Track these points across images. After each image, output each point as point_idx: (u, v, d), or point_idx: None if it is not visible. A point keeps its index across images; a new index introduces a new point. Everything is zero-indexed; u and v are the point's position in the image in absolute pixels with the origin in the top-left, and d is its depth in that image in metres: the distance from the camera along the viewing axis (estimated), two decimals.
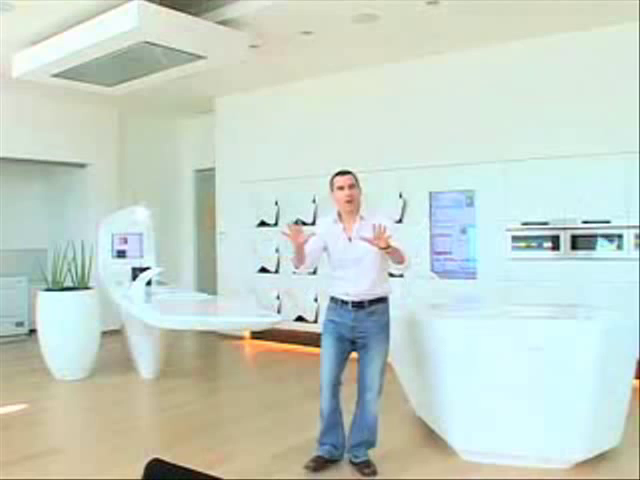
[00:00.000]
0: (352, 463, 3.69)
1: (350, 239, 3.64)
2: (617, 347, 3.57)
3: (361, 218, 3.66)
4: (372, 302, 3.65)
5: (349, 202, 3.63)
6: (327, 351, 3.71)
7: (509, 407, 3.59)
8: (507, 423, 3.59)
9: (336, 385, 3.69)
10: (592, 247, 5.55)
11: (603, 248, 5.49)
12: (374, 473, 3.58)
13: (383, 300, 3.71)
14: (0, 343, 7.79)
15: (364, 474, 3.58)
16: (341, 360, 3.69)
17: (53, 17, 5.23)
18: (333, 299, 3.74)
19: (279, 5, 4.94)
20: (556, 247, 5.71)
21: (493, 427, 3.63)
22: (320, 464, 3.66)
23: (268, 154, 7.71)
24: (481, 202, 6.12)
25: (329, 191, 3.74)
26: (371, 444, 3.71)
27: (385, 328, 3.70)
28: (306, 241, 3.54)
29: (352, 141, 6.96)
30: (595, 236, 5.53)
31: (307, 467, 3.64)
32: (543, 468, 3.52)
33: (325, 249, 3.73)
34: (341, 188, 3.64)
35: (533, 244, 5.80)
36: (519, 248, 5.88)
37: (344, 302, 3.67)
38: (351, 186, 3.64)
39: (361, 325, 3.64)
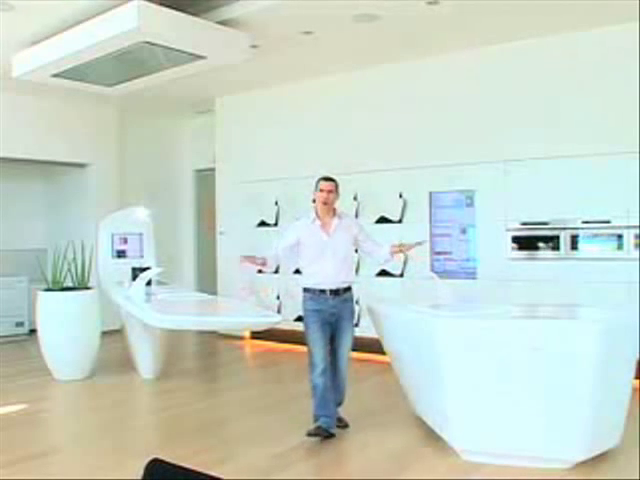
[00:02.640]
0: None
1: (328, 234, 4.29)
2: (617, 347, 3.56)
3: (339, 217, 4.35)
4: (345, 290, 4.32)
5: (325, 204, 4.29)
6: (315, 335, 4.26)
7: (509, 407, 3.59)
8: (507, 423, 3.59)
9: (327, 364, 4.24)
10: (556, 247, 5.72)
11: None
12: (347, 425, 4.35)
13: (351, 288, 4.38)
14: (0, 343, 7.79)
15: (339, 427, 4.28)
16: (327, 342, 4.28)
17: (53, 17, 5.23)
18: (309, 290, 4.31)
19: (279, 5, 4.94)
20: (556, 247, 5.71)
21: (493, 427, 3.63)
22: (320, 432, 4.12)
23: (268, 154, 7.71)
24: (481, 202, 6.12)
25: (313, 190, 4.39)
26: (340, 403, 4.40)
27: (353, 311, 4.45)
28: (262, 261, 4.43)
29: (352, 141, 6.96)
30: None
31: (309, 434, 4.12)
32: (543, 468, 3.52)
33: (295, 247, 4.38)
34: (322, 191, 4.32)
35: (536, 244, 5.83)
36: (519, 248, 5.88)
37: (322, 291, 4.26)
38: (330, 191, 4.31)
39: (338, 310, 4.28)
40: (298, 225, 4.45)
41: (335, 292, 4.25)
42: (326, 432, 4.12)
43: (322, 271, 4.25)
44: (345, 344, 4.33)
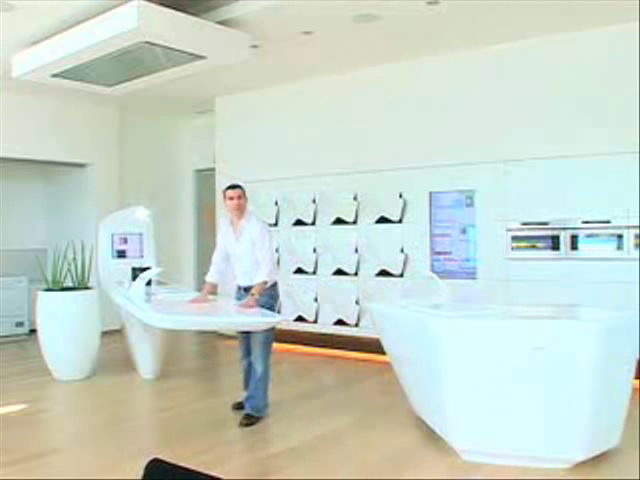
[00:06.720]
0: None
1: (237, 238, 4.66)
2: (617, 347, 3.57)
3: (247, 220, 4.66)
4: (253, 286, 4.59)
5: (237, 209, 4.63)
6: None
7: (509, 407, 3.59)
8: (507, 423, 3.60)
9: (245, 351, 4.77)
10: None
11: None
12: (251, 422, 4.55)
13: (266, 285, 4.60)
14: (0, 343, 7.79)
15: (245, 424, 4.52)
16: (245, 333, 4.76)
17: (53, 17, 5.23)
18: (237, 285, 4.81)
19: (279, 5, 4.94)
20: (556, 247, 5.72)
21: (493, 427, 3.64)
22: (237, 406, 4.79)
23: (268, 154, 7.71)
24: (481, 202, 6.12)
25: (222, 199, 4.77)
26: (248, 398, 4.65)
27: (265, 305, 4.58)
28: (211, 292, 4.99)
29: (352, 141, 6.96)
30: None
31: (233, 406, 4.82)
32: (543, 468, 3.52)
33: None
34: (231, 199, 4.63)
35: (536, 244, 5.82)
36: (519, 248, 5.88)
37: (239, 288, 4.75)
38: (239, 197, 4.63)
39: None
40: (221, 231, 4.88)
41: (247, 289, 4.63)
42: (238, 405, 4.75)
43: (237, 270, 4.75)
44: (254, 337, 4.62)
